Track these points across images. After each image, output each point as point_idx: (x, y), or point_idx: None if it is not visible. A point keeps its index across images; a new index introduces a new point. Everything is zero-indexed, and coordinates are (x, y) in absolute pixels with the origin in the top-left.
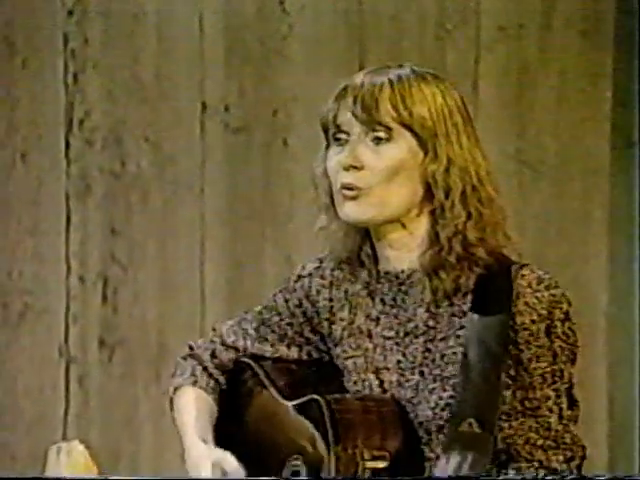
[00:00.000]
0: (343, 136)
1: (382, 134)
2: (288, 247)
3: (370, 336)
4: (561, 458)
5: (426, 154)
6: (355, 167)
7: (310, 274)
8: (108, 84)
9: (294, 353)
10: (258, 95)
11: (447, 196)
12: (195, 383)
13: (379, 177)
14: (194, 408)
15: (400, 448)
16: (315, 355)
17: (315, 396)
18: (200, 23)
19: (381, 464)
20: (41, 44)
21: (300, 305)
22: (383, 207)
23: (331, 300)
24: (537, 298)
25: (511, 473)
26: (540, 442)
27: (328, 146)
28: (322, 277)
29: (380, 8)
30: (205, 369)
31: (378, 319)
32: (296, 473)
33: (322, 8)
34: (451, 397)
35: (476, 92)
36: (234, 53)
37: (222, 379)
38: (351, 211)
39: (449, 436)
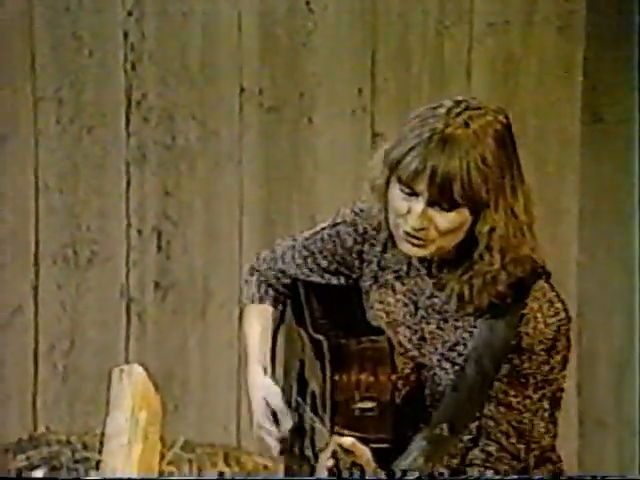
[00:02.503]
0: (412, 191)
1: (447, 207)
2: (312, 208)
3: (394, 291)
4: (522, 447)
5: (477, 218)
6: (423, 228)
7: (345, 225)
8: (161, 71)
9: (335, 281)
10: (287, 80)
11: (487, 248)
12: (262, 299)
13: (442, 233)
14: (260, 329)
15: (388, 387)
16: (351, 283)
17: (321, 337)
18: (239, 20)
19: (369, 404)
20: (105, 39)
21: (335, 249)
22: (439, 250)
23: (361, 253)
24: (545, 324)
25: (477, 451)
26: (510, 431)
27: (390, 175)
28: (356, 231)
29: (390, 8)
30: (270, 286)
31: (402, 280)
32: (314, 395)
33: (342, 7)
34: (449, 379)
35: (469, 77)
36: (267, 45)
37: (284, 291)
38: (412, 251)
39: (423, 433)
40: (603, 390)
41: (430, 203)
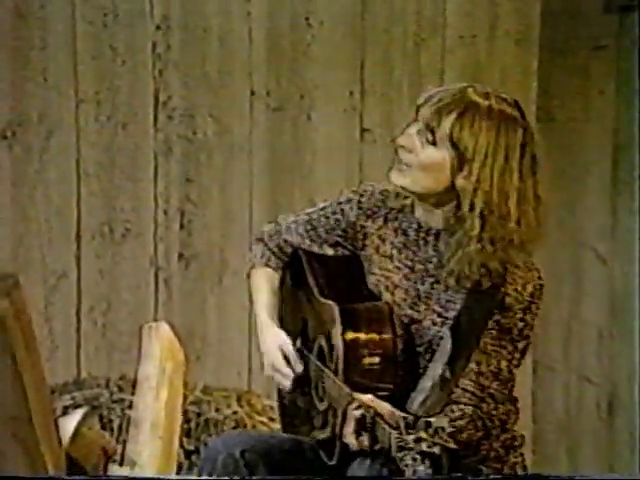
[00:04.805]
0: (416, 118)
1: (430, 139)
2: (311, 192)
3: (392, 260)
4: (496, 386)
5: (460, 169)
6: (406, 149)
7: (350, 202)
8: (184, 77)
9: (332, 252)
10: (290, 84)
11: (471, 209)
12: (266, 264)
13: (417, 163)
14: (266, 289)
15: (391, 343)
16: (347, 253)
17: (331, 302)
18: (249, 34)
19: (376, 359)
20: (136, 50)
21: (339, 224)
22: (413, 184)
23: (364, 228)
24: (524, 287)
25: (458, 391)
26: (489, 375)
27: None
28: (360, 208)
29: (376, 23)
30: (273, 253)
31: (400, 249)
32: (322, 348)
33: (336, 23)
34: (438, 332)
35: (442, 82)
36: (273, 54)
37: (285, 258)
38: (394, 176)
39: (427, 376)
40: (553, 343)
41: (419, 131)
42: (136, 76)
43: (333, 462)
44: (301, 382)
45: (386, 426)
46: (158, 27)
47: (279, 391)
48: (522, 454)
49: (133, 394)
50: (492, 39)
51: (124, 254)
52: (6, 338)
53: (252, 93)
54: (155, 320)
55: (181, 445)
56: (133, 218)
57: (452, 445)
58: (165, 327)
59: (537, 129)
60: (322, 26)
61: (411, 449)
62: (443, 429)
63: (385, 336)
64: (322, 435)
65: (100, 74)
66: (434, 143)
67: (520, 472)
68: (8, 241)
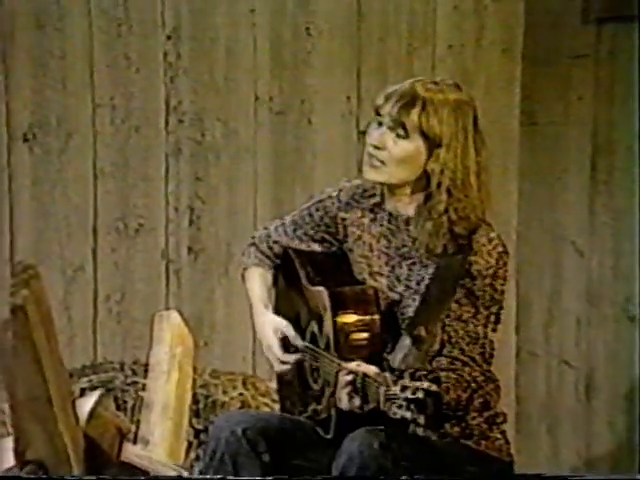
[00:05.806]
0: (381, 119)
1: (403, 134)
2: (311, 190)
3: (371, 249)
4: (476, 350)
5: (430, 156)
6: (379, 147)
7: (331, 198)
8: (193, 83)
9: (319, 247)
10: (292, 90)
11: (438, 186)
12: (258, 265)
13: (392, 159)
14: (259, 284)
15: (376, 321)
16: (334, 249)
17: (321, 288)
18: (254, 43)
19: (364, 334)
20: (149, 58)
21: (322, 219)
22: (390, 178)
23: (344, 220)
24: (489, 254)
25: (443, 360)
26: (467, 339)
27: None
28: (339, 202)
29: (371, 33)
30: (263, 254)
31: (378, 238)
32: (314, 334)
33: (334, 33)
34: (417, 307)
35: None
36: (276, 62)
37: (276, 259)
38: (368, 173)
39: (406, 334)
40: (535, 329)
41: (390, 128)
42: (149, 83)
43: (330, 436)
44: (297, 366)
45: (374, 383)
46: (169, 37)
47: (278, 376)
48: (504, 431)
49: (146, 377)
50: (479, 48)
51: (137, 248)
52: (26, 324)
53: (256, 98)
54: (166, 309)
55: (191, 425)
56: (146, 214)
57: (434, 388)
58: (175, 315)
59: (520, 132)
60: (321, 36)
61: (397, 398)
62: (426, 376)
63: (371, 314)
64: (318, 407)
65: (115, 81)
66: (407, 136)
67: (504, 448)
68: (29, 235)
